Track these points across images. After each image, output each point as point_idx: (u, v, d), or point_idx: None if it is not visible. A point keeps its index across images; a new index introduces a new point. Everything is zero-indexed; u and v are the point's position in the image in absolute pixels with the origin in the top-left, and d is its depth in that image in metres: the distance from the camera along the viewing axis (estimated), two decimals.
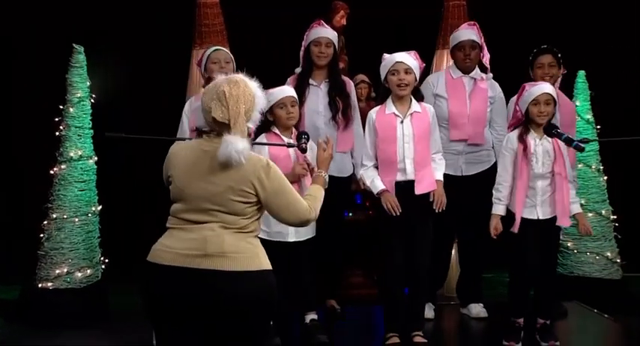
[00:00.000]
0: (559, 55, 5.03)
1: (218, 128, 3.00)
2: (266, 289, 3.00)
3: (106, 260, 5.57)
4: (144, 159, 6.07)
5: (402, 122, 4.36)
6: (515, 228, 4.38)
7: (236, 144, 2.92)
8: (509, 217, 4.45)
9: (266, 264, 3.04)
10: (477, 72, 5.01)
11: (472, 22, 5.08)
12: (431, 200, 4.38)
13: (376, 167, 4.43)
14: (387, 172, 4.37)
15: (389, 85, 4.38)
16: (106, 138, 4.23)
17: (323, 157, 3.41)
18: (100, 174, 5.51)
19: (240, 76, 3.05)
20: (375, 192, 4.42)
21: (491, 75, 5.05)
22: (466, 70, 5.00)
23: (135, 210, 6.65)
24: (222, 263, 2.95)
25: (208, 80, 4.84)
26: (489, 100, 5.00)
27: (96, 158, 5.49)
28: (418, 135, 4.35)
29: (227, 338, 3.00)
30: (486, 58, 5.03)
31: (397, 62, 4.32)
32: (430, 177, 4.39)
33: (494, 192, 4.51)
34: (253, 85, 3.05)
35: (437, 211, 4.40)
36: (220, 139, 2.96)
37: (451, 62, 5.15)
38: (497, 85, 5.07)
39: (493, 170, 4.88)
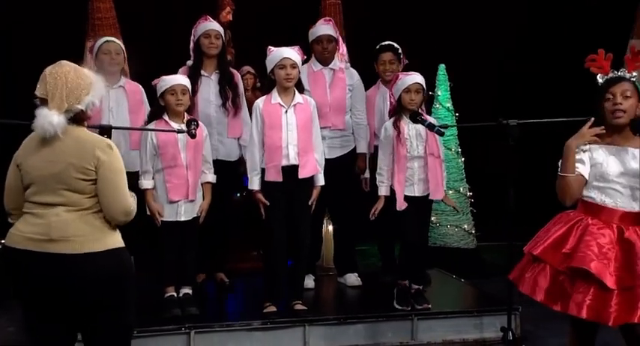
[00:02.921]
0: (399, 52, 5.34)
1: (41, 105, 3.03)
2: (115, 267, 3.06)
3: None
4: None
5: (286, 112, 4.61)
6: (399, 206, 4.65)
7: (50, 116, 2.97)
8: (391, 195, 4.73)
9: (113, 243, 3.09)
10: (335, 63, 5.28)
11: (328, 19, 5.37)
12: (310, 203, 4.68)
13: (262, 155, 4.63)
14: (273, 157, 4.59)
15: (275, 77, 4.57)
16: None
17: None
18: None
19: (68, 62, 3.08)
20: (249, 187, 4.68)
21: (348, 64, 5.33)
22: (325, 62, 5.27)
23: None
24: (66, 246, 2.99)
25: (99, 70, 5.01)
26: (348, 88, 5.29)
27: None
28: (301, 124, 4.61)
29: (91, 319, 3.07)
30: (342, 50, 5.32)
31: (285, 57, 4.52)
32: (312, 163, 4.66)
33: (377, 175, 4.79)
34: (85, 70, 3.09)
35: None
36: None
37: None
38: (355, 73, 5.35)
39: (353, 153, 5.32)
